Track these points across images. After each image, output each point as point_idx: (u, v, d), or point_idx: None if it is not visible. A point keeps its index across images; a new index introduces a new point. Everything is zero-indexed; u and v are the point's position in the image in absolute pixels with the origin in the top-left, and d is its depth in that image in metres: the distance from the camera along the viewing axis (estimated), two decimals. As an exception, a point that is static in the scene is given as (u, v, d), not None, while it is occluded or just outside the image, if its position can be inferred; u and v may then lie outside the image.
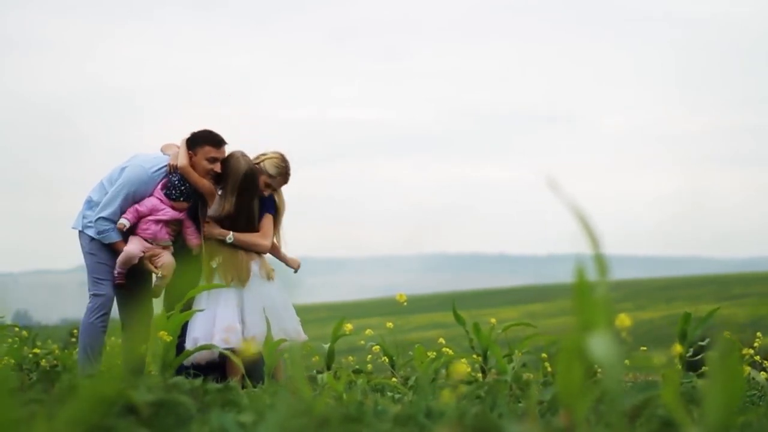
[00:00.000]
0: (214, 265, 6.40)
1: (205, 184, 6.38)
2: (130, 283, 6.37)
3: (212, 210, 6.45)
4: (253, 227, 6.48)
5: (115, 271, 6.30)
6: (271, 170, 6.49)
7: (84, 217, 6.47)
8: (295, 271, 6.69)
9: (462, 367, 2.44)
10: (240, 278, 6.37)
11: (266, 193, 6.53)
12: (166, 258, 6.37)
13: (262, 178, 6.47)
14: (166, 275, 6.32)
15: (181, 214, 6.40)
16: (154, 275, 6.41)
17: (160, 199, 6.33)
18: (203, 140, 6.39)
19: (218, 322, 6.24)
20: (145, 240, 6.34)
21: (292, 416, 2.36)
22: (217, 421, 2.18)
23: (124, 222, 6.28)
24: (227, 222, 6.43)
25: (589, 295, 1.66)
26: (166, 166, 6.39)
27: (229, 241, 6.41)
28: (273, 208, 6.59)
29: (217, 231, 6.42)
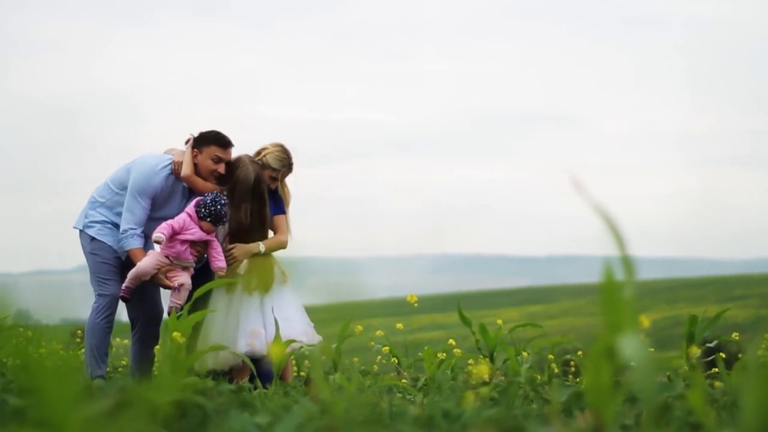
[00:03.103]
0: (241, 272, 6.32)
1: (210, 188, 6.31)
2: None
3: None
4: (266, 229, 6.44)
5: (124, 285, 6.15)
6: (275, 164, 6.45)
7: (86, 217, 6.40)
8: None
9: (484, 369, 2.41)
10: (265, 286, 6.30)
11: (273, 186, 6.48)
12: (184, 279, 6.15)
13: (267, 173, 6.42)
14: (182, 295, 6.07)
15: (209, 236, 6.19)
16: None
17: (190, 216, 6.16)
18: (210, 140, 6.34)
19: (242, 326, 6.16)
20: (166, 257, 6.15)
21: (308, 418, 2.34)
22: (236, 423, 2.16)
23: (160, 236, 6.04)
24: (243, 231, 6.34)
25: (616, 295, 1.64)
26: (171, 163, 6.34)
27: (261, 251, 6.36)
28: (281, 206, 6.55)
29: (248, 248, 6.32)
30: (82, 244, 6.45)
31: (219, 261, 6.18)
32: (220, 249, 6.23)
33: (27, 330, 8.96)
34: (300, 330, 6.15)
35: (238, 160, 6.39)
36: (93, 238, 6.34)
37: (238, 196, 6.31)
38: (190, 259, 6.18)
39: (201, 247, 6.22)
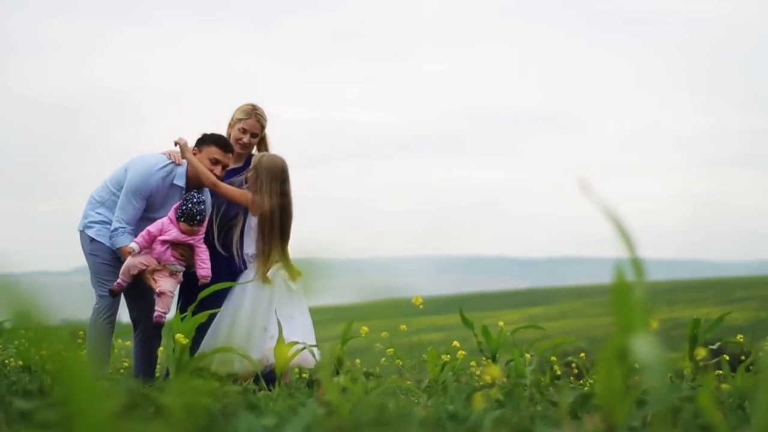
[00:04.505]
0: (271, 277, 6.21)
1: (234, 192, 6.29)
2: (139, 283, 6.25)
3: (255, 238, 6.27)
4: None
5: (117, 280, 6.12)
6: (239, 114, 6.54)
7: (85, 217, 6.39)
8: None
9: (495, 370, 2.41)
10: (292, 277, 6.28)
11: (245, 139, 6.52)
12: (166, 286, 6.06)
13: (235, 128, 6.52)
14: (165, 303, 6.01)
15: (191, 239, 6.12)
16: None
17: (170, 219, 6.12)
18: (211, 141, 6.35)
19: (276, 335, 5.87)
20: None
21: (315, 420, 2.34)
22: (243, 424, 2.15)
23: (134, 247, 6.02)
24: (274, 213, 6.24)
25: (628, 297, 1.64)
26: (169, 163, 6.32)
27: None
28: None
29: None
30: (82, 245, 6.42)
31: (202, 269, 6.07)
32: (205, 257, 6.11)
33: (28, 332, 8.93)
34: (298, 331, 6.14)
35: (261, 154, 6.42)
36: (92, 239, 6.33)
37: (266, 180, 6.25)
38: (171, 260, 6.09)
39: (184, 251, 6.13)
